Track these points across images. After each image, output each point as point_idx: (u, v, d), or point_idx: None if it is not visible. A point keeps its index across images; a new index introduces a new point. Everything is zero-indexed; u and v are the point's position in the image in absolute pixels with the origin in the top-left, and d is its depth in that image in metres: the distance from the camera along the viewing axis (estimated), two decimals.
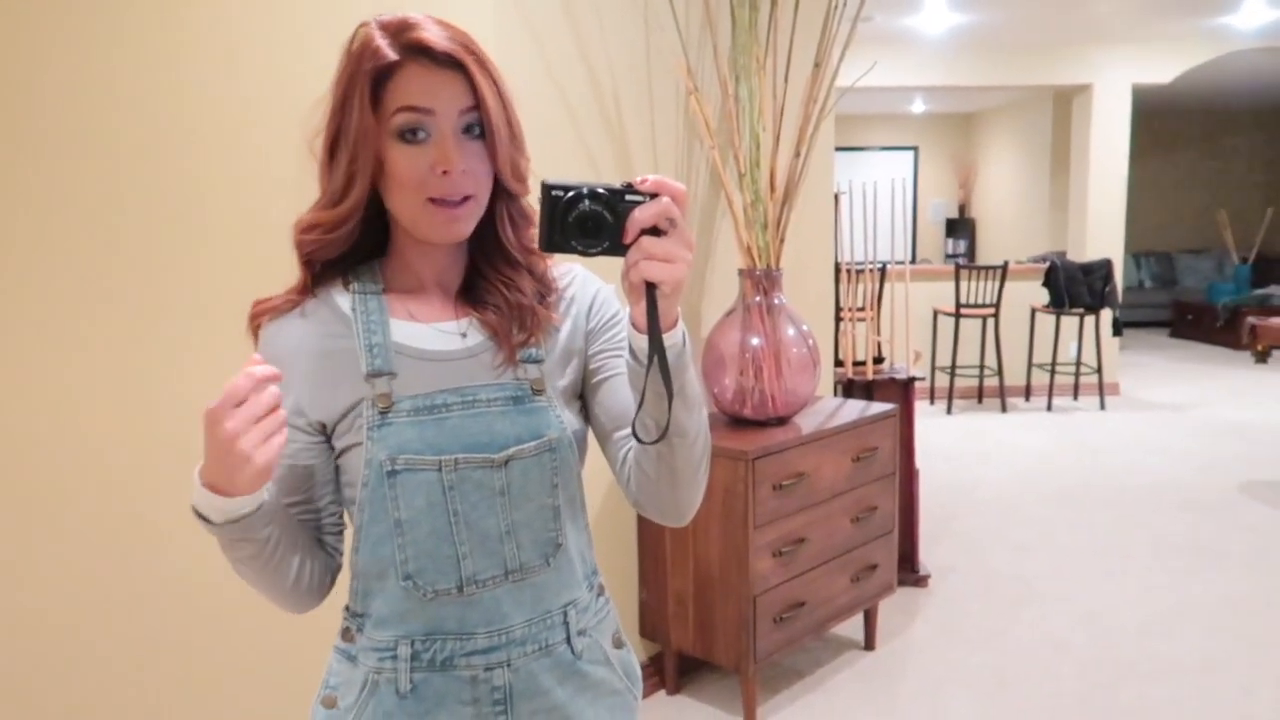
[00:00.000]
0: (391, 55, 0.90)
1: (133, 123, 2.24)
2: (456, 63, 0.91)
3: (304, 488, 0.99)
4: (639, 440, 0.94)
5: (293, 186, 1.04)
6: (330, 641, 1.04)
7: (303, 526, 0.99)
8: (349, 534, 1.03)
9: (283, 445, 0.85)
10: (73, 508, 2.33)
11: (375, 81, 0.91)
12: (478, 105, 0.92)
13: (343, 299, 1.00)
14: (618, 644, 1.09)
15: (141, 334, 2.32)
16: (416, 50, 0.91)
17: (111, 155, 2.26)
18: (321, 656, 1.07)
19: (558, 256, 1.05)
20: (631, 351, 0.90)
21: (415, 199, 0.93)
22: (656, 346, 0.85)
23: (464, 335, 1.00)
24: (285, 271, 1.05)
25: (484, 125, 0.93)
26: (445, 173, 0.91)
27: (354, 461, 0.97)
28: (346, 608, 1.03)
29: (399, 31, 0.91)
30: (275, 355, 0.96)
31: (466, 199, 0.94)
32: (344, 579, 1.05)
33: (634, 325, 0.88)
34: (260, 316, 1.00)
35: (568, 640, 1.02)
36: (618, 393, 1.02)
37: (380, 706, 0.98)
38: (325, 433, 0.99)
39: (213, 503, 0.86)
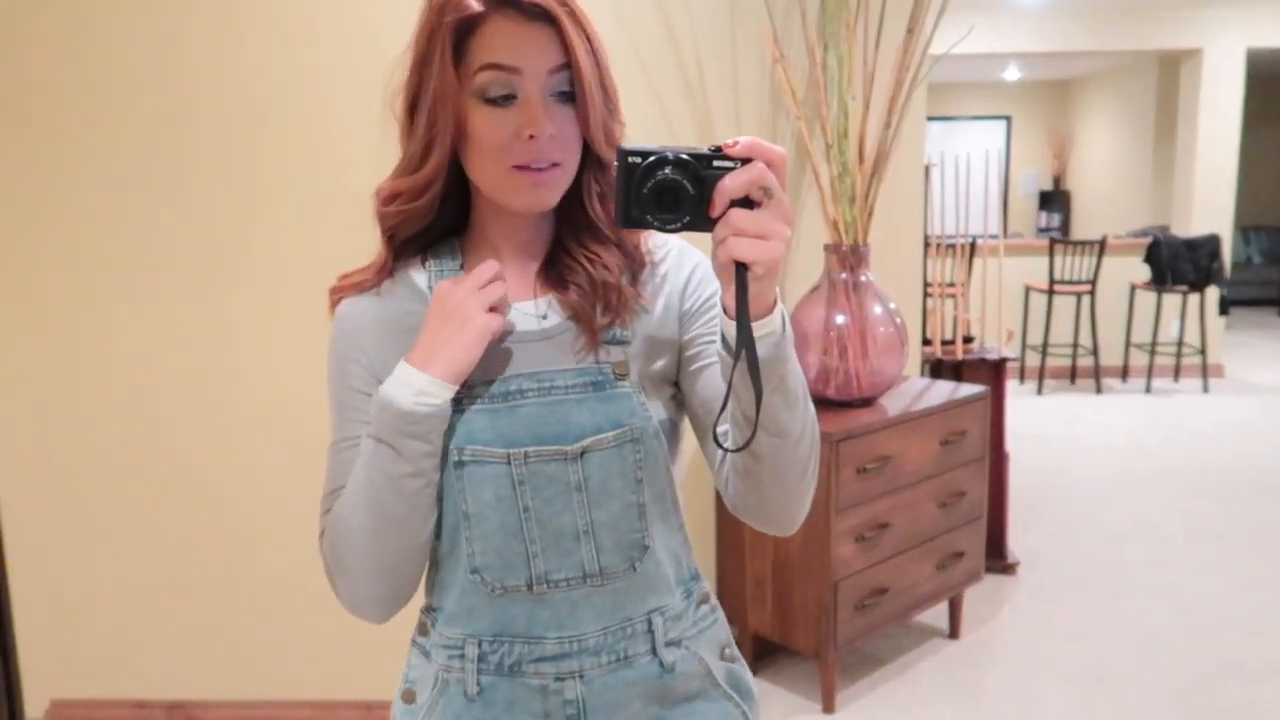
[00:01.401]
0: (476, 6, 0.82)
1: (206, 91, 2.26)
2: (547, 15, 0.82)
3: None
4: (720, 446, 0.85)
5: (372, 152, 0.99)
6: (409, 634, 1.00)
7: None
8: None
9: (500, 324, 0.86)
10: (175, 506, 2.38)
11: (457, 36, 0.83)
12: (569, 64, 0.84)
13: (420, 276, 0.94)
14: (725, 656, 0.98)
15: (210, 304, 2.35)
16: (503, 1, 0.82)
17: (183, 124, 2.28)
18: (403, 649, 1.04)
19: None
20: (723, 339, 0.80)
21: (498, 165, 0.85)
22: (746, 337, 0.75)
23: (544, 317, 0.92)
24: (358, 240, 1.02)
25: (575, 86, 0.84)
26: (531, 137, 0.83)
27: None
28: (424, 604, 0.98)
29: None
30: (349, 333, 0.92)
31: (553, 165, 0.85)
32: None
33: (725, 311, 0.78)
34: (339, 293, 0.94)
35: (653, 651, 0.92)
36: (715, 384, 0.90)
37: (450, 707, 0.92)
38: None
39: (414, 381, 0.84)
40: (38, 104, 2.17)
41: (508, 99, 0.83)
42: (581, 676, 0.90)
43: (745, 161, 0.74)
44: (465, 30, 0.83)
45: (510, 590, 0.89)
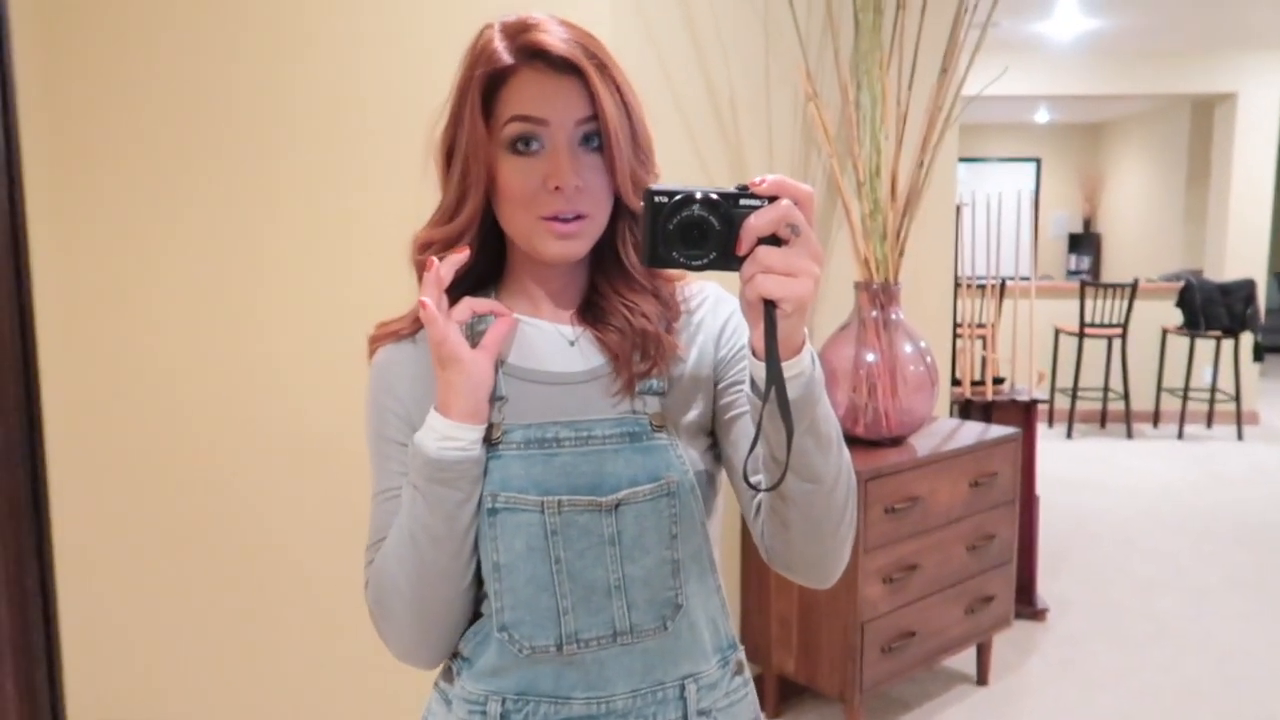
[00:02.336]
0: (506, 59, 0.84)
1: (250, 102, 2.28)
2: (574, 68, 0.83)
3: None
4: (750, 486, 0.83)
5: (413, 190, 1.00)
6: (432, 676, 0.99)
7: None
8: None
9: (488, 357, 0.85)
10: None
11: (488, 88, 0.84)
12: (596, 115, 0.84)
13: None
14: None
15: (249, 332, 2.36)
16: (532, 54, 0.83)
17: (227, 152, 2.30)
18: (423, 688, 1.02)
19: (690, 276, 0.96)
20: (751, 381, 0.79)
21: (526, 215, 0.85)
22: (775, 376, 0.74)
23: (573, 343, 0.91)
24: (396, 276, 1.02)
25: (602, 137, 0.85)
26: (558, 188, 0.83)
27: None
28: (455, 648, 0.96)
29: (517, 33, 0.84)
30: (386, 383, 0.92)
31: (580, 217, 0.85)
32: None
33: (753, 351, 0.77)
34: (376, 341, 0.94)
35: (684, 719, 0.89)
36: (750, 432, 0.87)
37: None
38: None
39: (437, 426, 0.84)
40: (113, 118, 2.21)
41: (535, 150, 0.84)
42: None
43: (772, 199, 0.74)
44: (496, 83, 0.84)
45: (539, 651, 0.87)
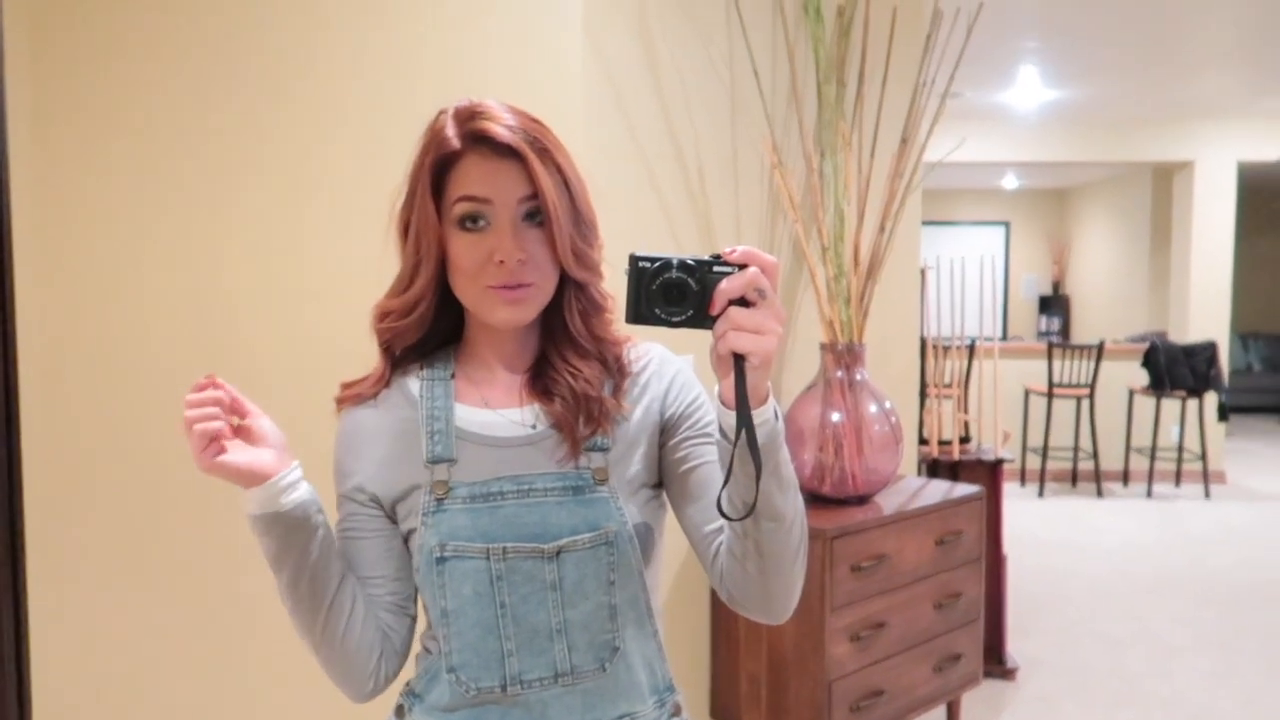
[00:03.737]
0: (455, 144, 0.92)
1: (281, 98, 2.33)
2: (514, 152, 0.91)
3: (361, 563, 0.99)
4: (725, 516, 0.89)
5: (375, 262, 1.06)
6: (383, 712, 1.03)
7: (368, 601, 0.99)
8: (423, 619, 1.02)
9: (216, 454, 0.88)
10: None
11: (439, 169, 0.93)
12: (536, 195, 0.92)
13: (414, 384, 1.01)
14: None
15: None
16: (478, 139, 0.92)
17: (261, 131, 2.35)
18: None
19: (637, 338, 1.03)
20: (721, 430, 0.87)
21: (475, 285, 0.93)
22: (745, 421, 0.82)
23: (533, 426, 0.98)
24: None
25: (543, 214, 0.93)
26: (501, 262, 0.91)
27: (414, 546, 0.97)
28: (408, 683, 1.02)
29: (466, 119, 0.93)
30: (349, 442, 1.00)
31: (524, 286, 0.93)
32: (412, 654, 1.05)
33: (723, 401, 0.85)
34: (341, 403, 1.02)
35: None
36: (706, 483, 0.97)
37: None
38: (385, 510, 0.99)
39: (247, 494, 0.91)
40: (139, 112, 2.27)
41: (482, 226, 0.92)
42: None
43: (742, 267, 0.83)
44: (445, 165, 0.93)
45: (484, 692, 0.93)
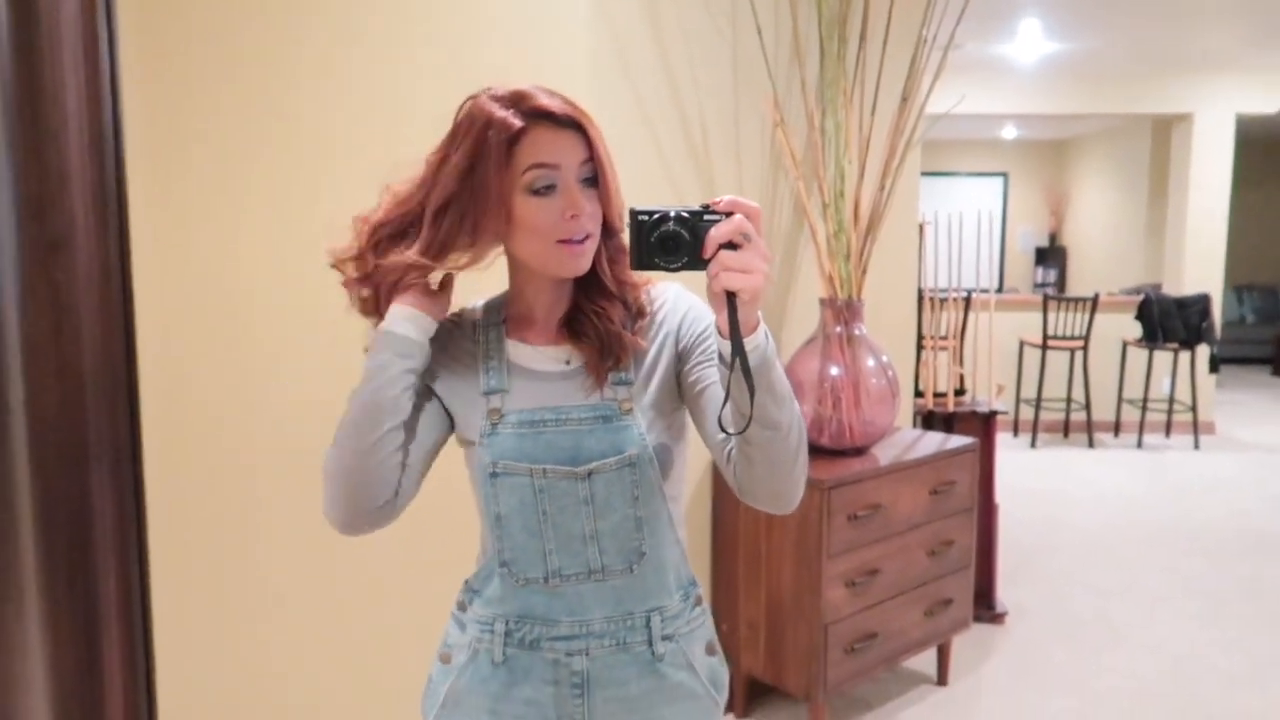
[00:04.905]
0: (518, 122, 1.04)
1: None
2: (574, 123, 1.06)
3: (410, 432, 1.13)
4: (726, 432, 1.03)
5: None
6: (447, 608, 1.23)
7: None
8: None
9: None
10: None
11: (505, 147, 1.04)
12: (591, 158, 1.07)
13: (471, 324, 1.19)
14: (710, 651, 1.21)
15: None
16: (539, 115, 1.05)
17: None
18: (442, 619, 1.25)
19: (657, 279, 1.17)
20: (720, 356, 1.00)
21: (545, 242, 1.07)
22: (738, 349, 0.95)
23: (567, 362, 1.14)
24: None
25: (598, 174, 1.08)
26: (574, 216, 1.06)
27: (471, 460, 1.15)
28: (466, 581, 1.20)
29: (517, 101, 1.05)
30: (441, 332, 1.15)
31: (588, 237, 1.08)
32: (472, 553, 1.22)
33: (720, 332, 0.97)
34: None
35: (649, 643, 1.14)
36: (715, 399, 1.10)
37: (478, 671, 1.15)
38: (439, 399, 1.16)
39: (393, 314, 1.09)
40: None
41: (550, 189, 1.06)
42: (587, 654, 1.13)
43: (729, 214, 0.94)
44: (512, 142, 1.05)
45: (530, 582, 1.12)
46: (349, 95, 2.35)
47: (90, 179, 0.47)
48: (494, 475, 1.10)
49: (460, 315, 1.20)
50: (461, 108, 1.08)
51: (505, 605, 1.14)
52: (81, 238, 0.45)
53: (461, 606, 1.19)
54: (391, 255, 1.08)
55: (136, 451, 0.49)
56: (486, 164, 1.04)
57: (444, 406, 1.16)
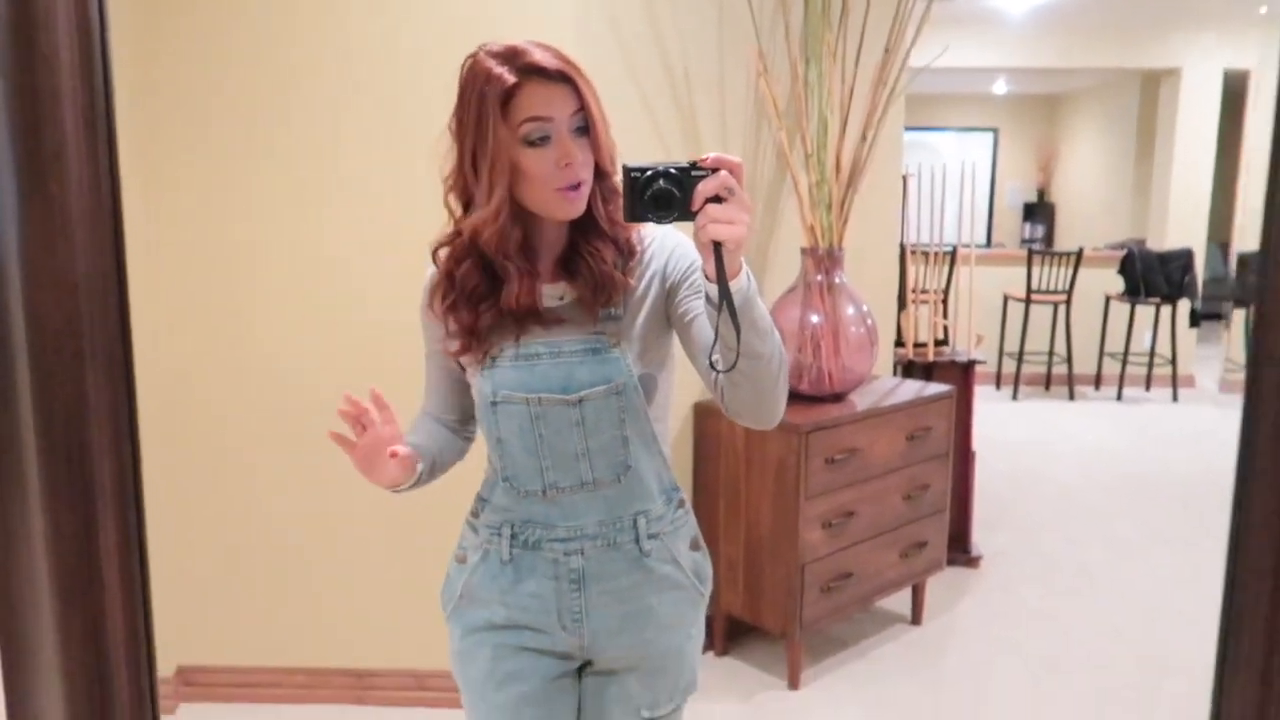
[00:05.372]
0: (511, 79, 1.12)
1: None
2: (565, 77, 1.14)
3: (439, 396, 1.37)
4: (715, 370, 1.14)
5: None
6: (459, 520, 1.38)
7: (443, 435, 1.36)
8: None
9: (393, 455, 1.20)
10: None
11: (502, 101, 1.12)
12: (582, 108, 1.16)
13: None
14: (694, 547, 1.35)
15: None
16: (531, 71, 1.13)
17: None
18: (454, 531, 1.41)
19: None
20: (707, 297, 1.11)
21: (545, 189, 1.16)
22: (725, 294, 1.05)
23: (561, 298, 1.25)
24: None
25: (588, 123, 1.16)
26: (568, 165, 1.14)
27: (475, 390, 1.27)
28: (478, 493, 1.35)
29: (511, 58, 1.13)
30: (427, 298, 1.31)
31: (582, 184, 1.17)
32: (479, 470, 1.37)
33: (707, 276, 1.07)
34: (435, 255, 1.29)
35: (636, 541, 1.28)
36: (704, 328, 1.20)
37: (489, 569, 1.31)
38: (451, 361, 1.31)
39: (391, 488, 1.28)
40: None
41: (544, 140, 1.15)
42: (582, 553, 1.28)
43: (715, 170, 1.02)
44: (507, 98, 1.13)
45: (530, 494, 1.27)
46: (347, 59, 2.37)
47: (81, 100, 0.50)
48: (494, 404, 1.23)
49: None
50: (464, 66, 1.16)
51: (511, 512, 1.28)
52: (74, 152, 0.49)
53: (474, 514, 1.34)
54: (470, 218, 1.20)
55: (128, 352, 0.53)
56: (488, 118, 1.13)
57: (453, 360, 1.29)
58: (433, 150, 1.21)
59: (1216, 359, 7.95)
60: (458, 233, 1.23)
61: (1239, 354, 6.74)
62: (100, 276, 0.51)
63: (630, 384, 1.23)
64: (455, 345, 1.26)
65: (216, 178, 2.44)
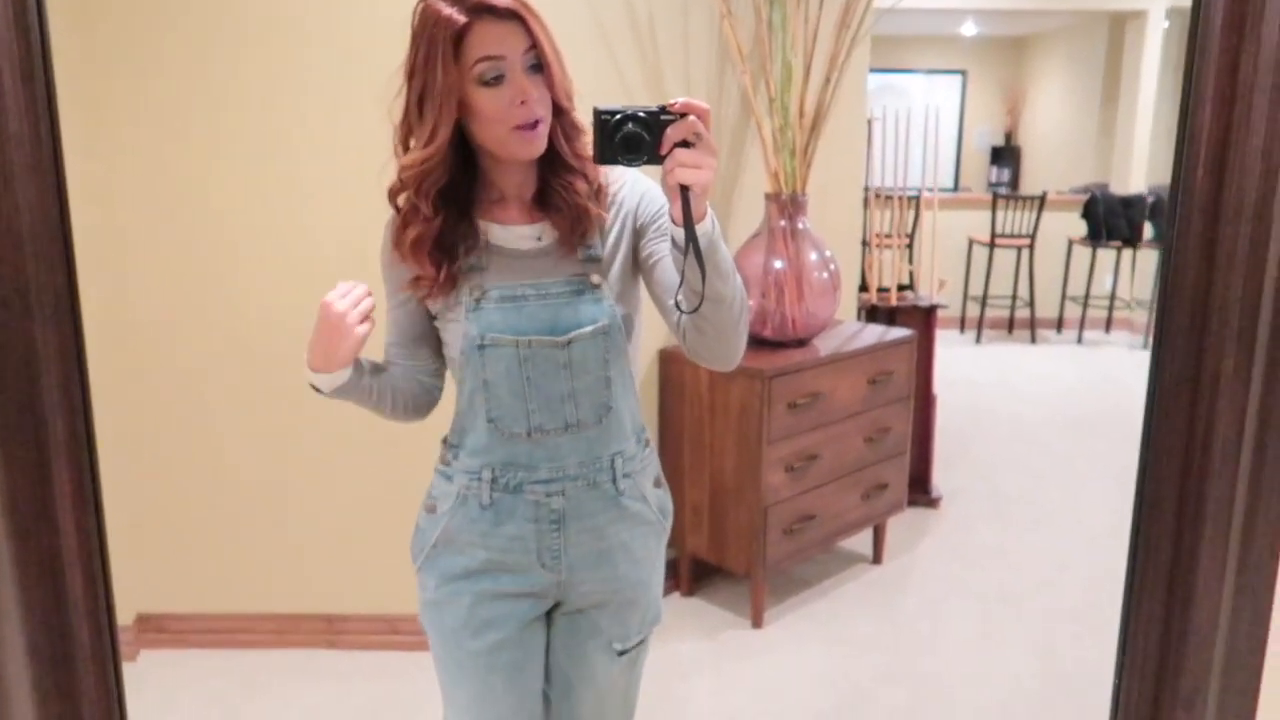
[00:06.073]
0: (461, 19, 1.12)
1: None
2: (515, 14, 1.14)
3: (412, 338, 1.33)
4: (681, 310, 1.16)
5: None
6: (430, 466, 1.37)
7: (405, 374, 1.35)
8: (450, 386, 1.34)
9: (371, 329, 1.19)
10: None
11: (453, 42, 1.11)
12: (534, 46, 1.15)
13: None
14: (657, 484, 1.39)
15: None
16: (481, 10, 1.12)
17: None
18: (425, 476, 1.40)
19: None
20: (673, 241, 1.13)
21: (502, 128, 1.16)
22: (691, 236, 1.07)
23: (539, 238, 1.26)
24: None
25: (541, 61, 1.16)
26: (523, 103, 1.14)
27: (454, 333, 1.26)
28: (445, 440, 1.35)
29: None
30: (386, 240, 1.29)
31: (539, 122, 1.17)
32: (446, 417, 1.36)
33: (673, 220, 1.09)
34: (391, 199, 1.28)
35: (613, 481, 1.31)
36: (668, 270, 1.23)
37: (468, 514, 1.31)
38: (420, 306, 1.30)
39: (320, 379, 1.24)
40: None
41: (499, 79, 1.15)
42: (564, 494, 1.29)
43: (683, 115, 1.04)
44: (459, 38, 1.13)
45: (515, 435, 1.27)
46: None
47: (17, 53, 0.50)
48: (481, 347, 1.23)
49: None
50: (415, 10, 1.15)
51: (491, 455, 1.28)
52: (12, 107, 0.49)
53: (445, 461, 1.33)
54: (405, 156, 1.21)
55: (75, 300, 0.54)
56: (436, 59, 1.12)
57: (419, 305, 1.30)
58: (383, 93, 1.20)
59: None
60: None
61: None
62: (45, 227, 0.51)
63: (615, 324, 1.25)
64: (424, 289, 1.25)
65: (166, 120, 2.39)
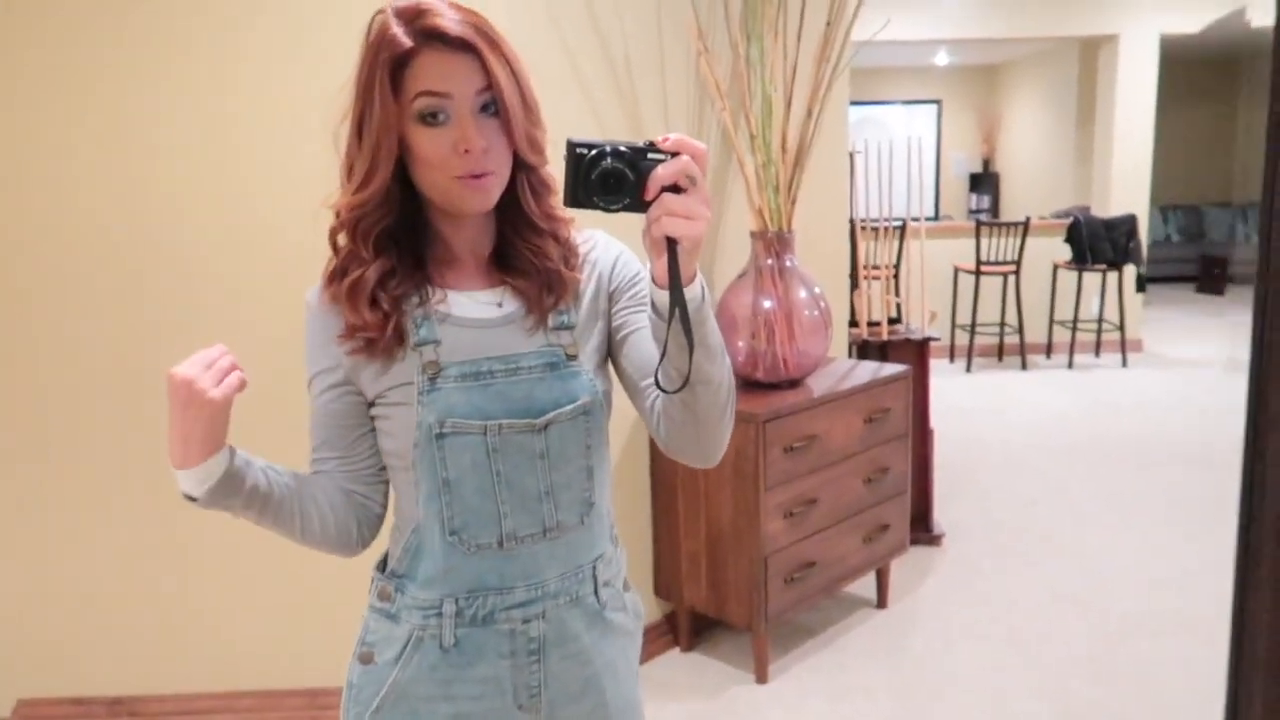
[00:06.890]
0: (407, 43, 0.93)
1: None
2: (469, 46, 0.94)
3: (339, 439, 1.06)
4: (662, 390, 0.97)
5: (321, 178, 1.07)
6: (359, 601, 1.12)
7: (332, 484, 1.07)
8: (392, 496, 1.10)
9: (238, 386, 0.93)
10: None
11: (394, 68, 0.94)
12: (490, 85, 0.95)
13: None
14: (626, 587, 1.17)
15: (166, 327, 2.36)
16: (430, 36, 0.94)
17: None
18: (350, 615, 1.15)
19: (580, 222, 1.08)
20: (653, 306, 0.93)
21: (442, 176, 0.97)
22: (678, 300, 0.88)
23: (500, 304, 1.05)
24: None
25: (498, 105, 0.96)
26: (466, 151, 0.95)
27: (402, 422, 1.02)
28: (381, 569, 1.10)
29: (413, 18, 0.94)
30: (324, 329, 1.04)
31: (488, 174, 0.97)
32: (378, 542, 1.12)
33: (655, 280, 0.91)
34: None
35: (595, 591, 1.10)
36: (642, 346, 1.06)
37: (425, 660, 1.05)
38: (359, 390, 1.05)
39: (189, 477, 0.94)
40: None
41: (443, 120, 0.95)
42: (543, 616, 1.06)
43: (674, 155, 0.86)
44: (400, 64, 0.94)
45: (483, 548, 1.03)
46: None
47: None
48: (440, 435, 1.00)
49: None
50: (372, 19, 0.97)
51: (453, 581, 1.04)
52: None
53: (385, 597, 1.07)
54: (340, 194, 1.01)
55: None
56: (375, 86, 0.94)
57: (356, 386, 1.04)
58: (328, 109, 1.01)
59: (1163, 322, 8.08)
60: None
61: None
62: None
63: (596, 402, 1.05)
64: (361, 342, 1.01)
65: (71, 82, 2.25)
